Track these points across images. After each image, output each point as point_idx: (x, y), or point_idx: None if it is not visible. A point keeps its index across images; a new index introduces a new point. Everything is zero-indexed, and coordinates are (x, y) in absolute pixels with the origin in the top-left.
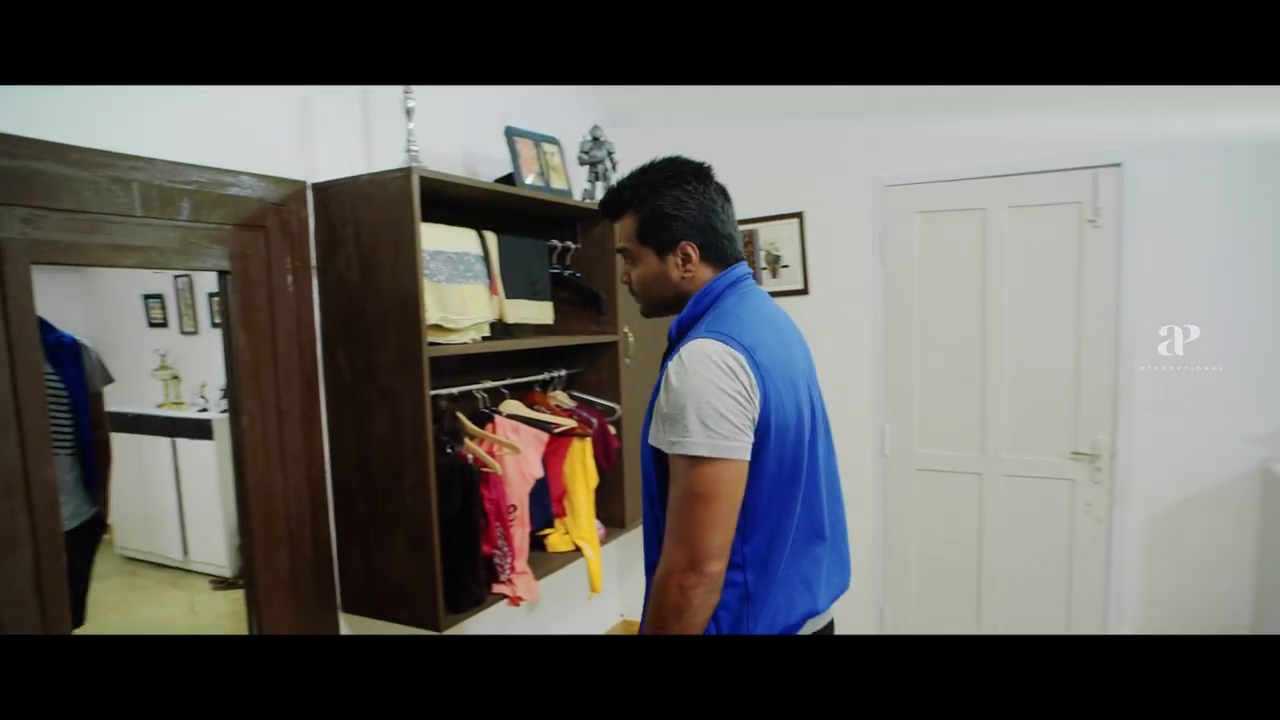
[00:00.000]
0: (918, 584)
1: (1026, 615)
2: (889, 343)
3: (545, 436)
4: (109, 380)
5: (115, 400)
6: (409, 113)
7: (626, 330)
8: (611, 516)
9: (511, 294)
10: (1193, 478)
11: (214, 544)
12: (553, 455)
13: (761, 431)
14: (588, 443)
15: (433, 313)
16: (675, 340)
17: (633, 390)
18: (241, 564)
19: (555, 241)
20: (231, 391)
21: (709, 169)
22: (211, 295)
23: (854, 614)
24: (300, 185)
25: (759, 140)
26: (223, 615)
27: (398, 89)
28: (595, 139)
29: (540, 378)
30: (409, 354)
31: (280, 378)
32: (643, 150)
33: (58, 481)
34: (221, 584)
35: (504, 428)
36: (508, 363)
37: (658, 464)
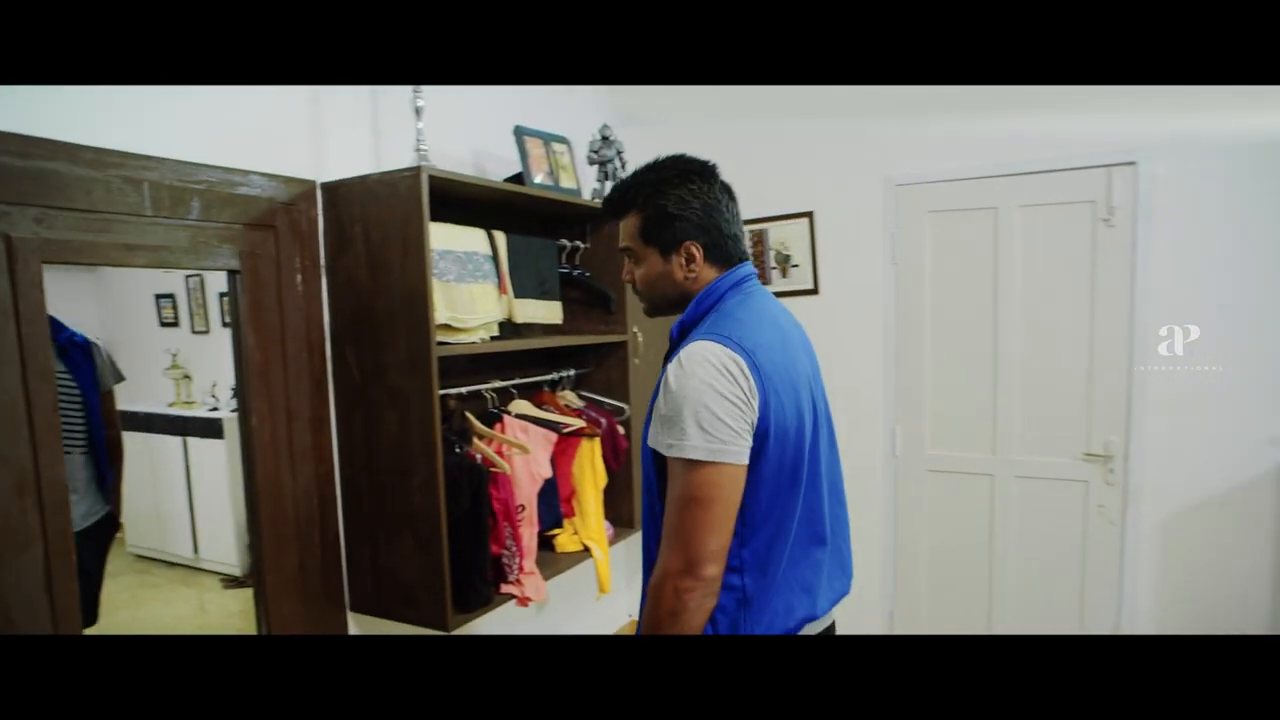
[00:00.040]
0: (928, 586)
1: (1038, 618)
2: (900, 343)
3: (554, 436)
4: (120, 379)
5: (127, 399)
6: (418, 112)
7: (636, 330)
8: (620, 517)
9: (520, 293)
10: (1208, 479)
11: (224, 543)
12: (561, 455)
13: (760, 436)
14: (596, 443)
15: (441, 312)
16: (676, 341)
17: (642, 390)
18: (250, 563)
19: (564, 241)
20: (241, 391)
21: (714, 167)
22: (222, 295)
23: (864, 616)
24: (310, 184)
25: (769, 139)
26: (233, 614)
27: (407, 88)
28: (604, 138)
29: (549, 377)
30: (418, 353)
31: (289, 377)
32: (652, 149)
33: (71, 480)
34: (232, 582)
35: (513, 427)
36: (516, 362)
37: (657, 465)
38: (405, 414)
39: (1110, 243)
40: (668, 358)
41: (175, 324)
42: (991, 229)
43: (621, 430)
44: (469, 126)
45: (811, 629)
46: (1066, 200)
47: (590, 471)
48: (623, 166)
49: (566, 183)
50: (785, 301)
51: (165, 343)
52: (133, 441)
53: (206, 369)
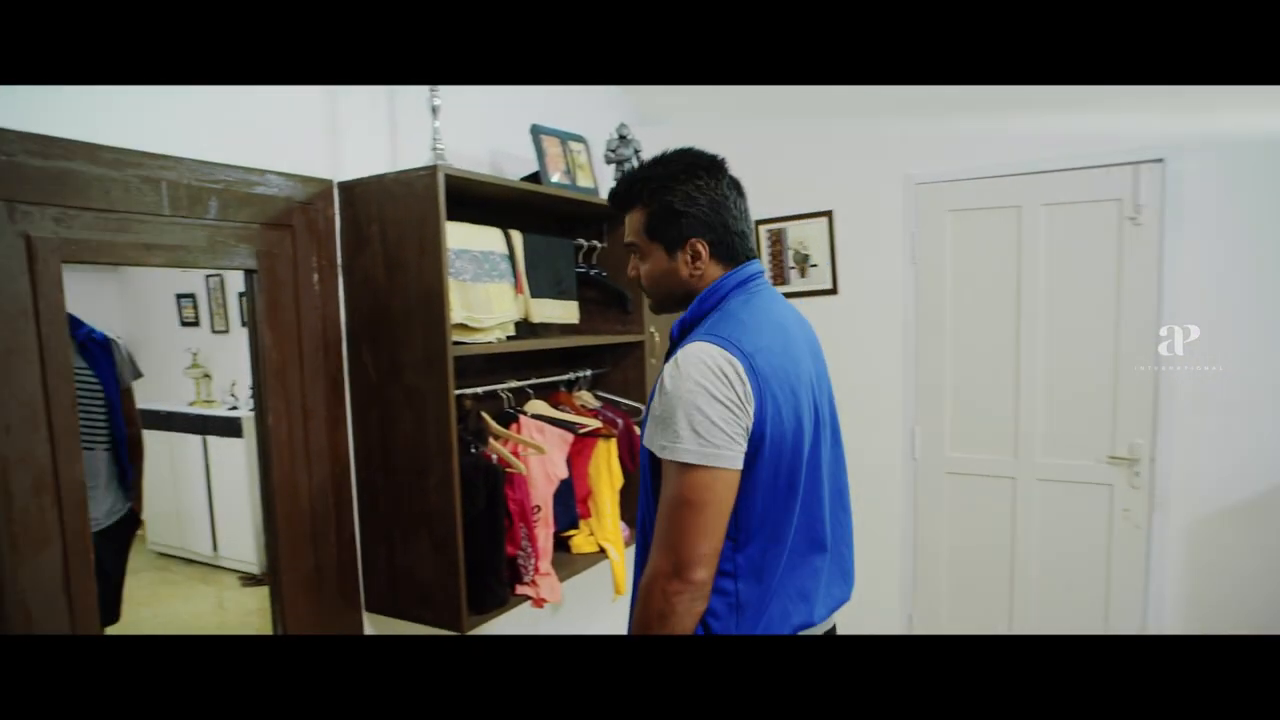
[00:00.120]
0: (948, 590)
1: (1061, 624)
2: (919, 343)
3: (570, 437)
4: (138, 375)
5: (149, 398)
6: (435, 111)
7: (653, 330)
8: (636, 518)
9: (537, 293)
10: (1237, 483)
11: (243, 541)
12: (578, 456)
13: (755, 441)
14: (613, 443)
15: (458, 312)
16: (676, 340)
17: None
18: (266, 562)
19: (581, 240)
20: (257, 390)
21: (722, 162)
22: (242, 295)
23: (882, 619)
24: (327, 184)
25: (787, 138)
26: (251, 612)
27: (424, 87)
28: (622, 137)
29: (565, 377)
30: (434, 353)
31: (306, 376)
32: (670, 149)
33: (95, 476)
34: (250, 580)
35: (529, 428)
36: (533, 362)
37: (654, 466)
38: (421, 414)
39: (1137, 242)
40: (667, 357)
41: (196, 323)
42: (1014, 228)
43: (638, 431)
44: (486, 125)
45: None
46: (1092, 199)
47: (606, 472)
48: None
49: (584, 182)
50: (803, 301)
51: (186, 342)
52: (153, 440)
53: (226, 368)
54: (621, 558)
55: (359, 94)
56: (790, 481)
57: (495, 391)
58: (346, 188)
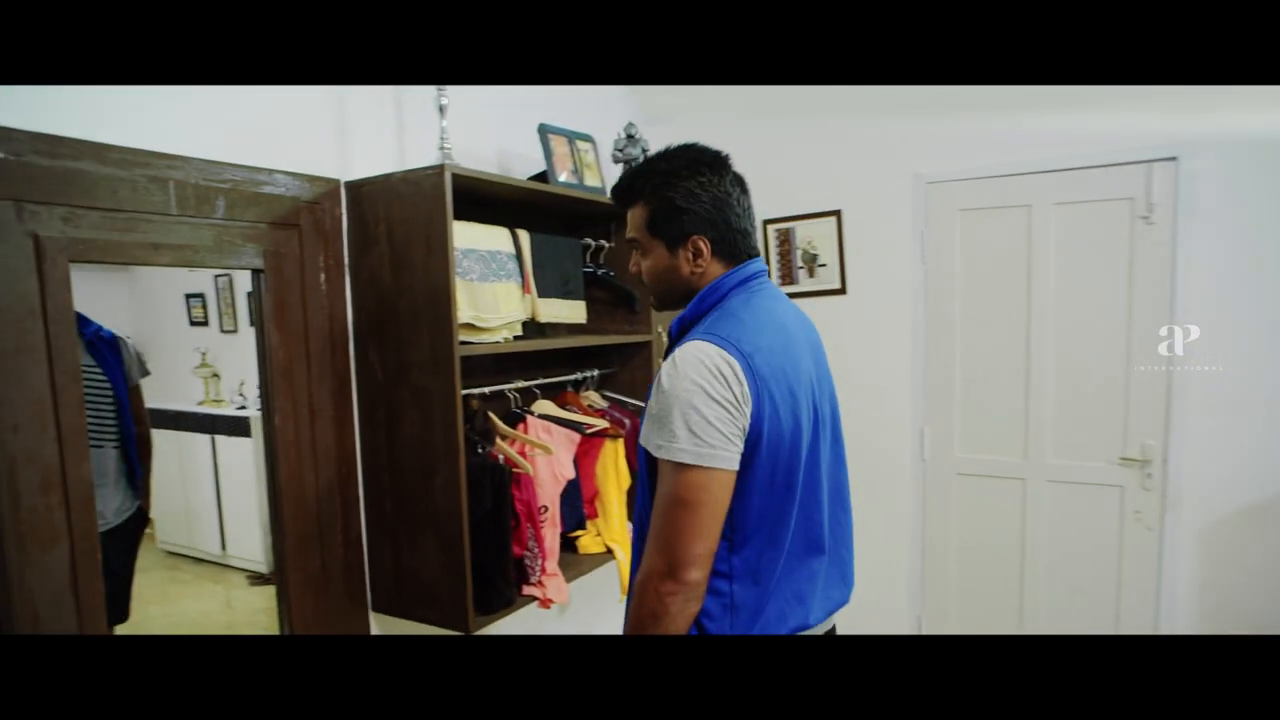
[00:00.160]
0: (957, 592)
1: (1071, 627)
2: (929, 344)
3: (577, 437)
4: (145, 373)
5: (157, 397)
6: (442, 110)
7: (660, 330)
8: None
9: (544, 293)
10: (1251, 485)
11: (251, 540)
12: (585, 456)
13: (752, 442)
14: (620, 443)
15: (464, 311)
16: (675, 338)
17: None
18: (273, 561)
19: (589, 240)
20: (264, 389)
21: (726, 158)
22: (250, 294)
23: (891, 621)
24: (334, 183)
25: (796, 137)
26: (259, 611)
27: (431, 86)
28: (630, 136)
29: (573, 377)
30: (440, 353)
31: (313, 376)
32: (673, 144)
33: (104, 474)
34: (258, 579)
35: (536, 428)
36: (540, 362)
37: (650, 465)
38: (428, 414)
39: (1149, 241)
40: (666, 355)
41: (205, 323)
42: (1025, 227)
43: None
44: (493, 124)
45: None
46: (1104, 198)
47: (614, 472)
48: None
49: (591, 181)
50: (812, 301)
51: (195, 342)
52: (162, 439)
53: (235, 368)
54: (628, 558)
55: (366, 93)
56: (788, 483)
57: (502, 391)
58: (354, 187)
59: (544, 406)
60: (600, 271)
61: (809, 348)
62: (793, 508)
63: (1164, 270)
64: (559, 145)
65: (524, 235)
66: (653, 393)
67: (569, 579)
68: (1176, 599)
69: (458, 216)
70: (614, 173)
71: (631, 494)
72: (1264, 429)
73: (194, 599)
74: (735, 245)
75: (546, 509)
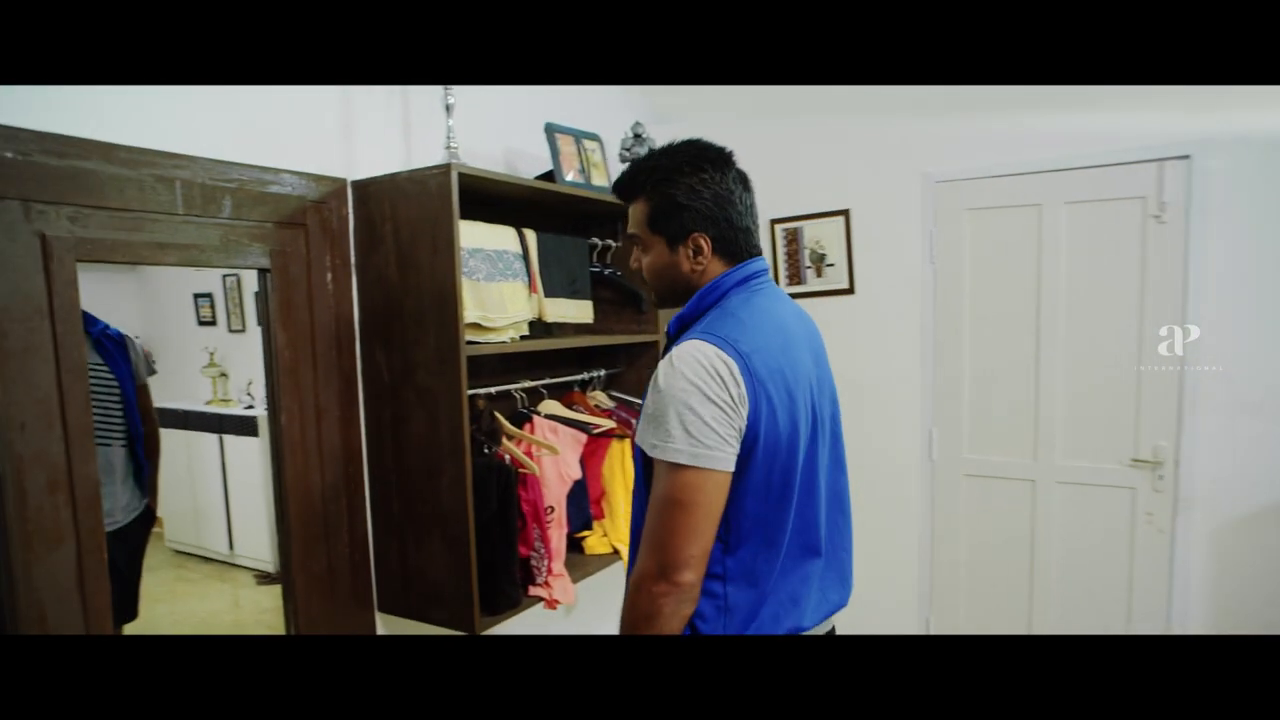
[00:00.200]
0: (966, 594)
1: (1081, 630)
2: (937, 344)
3: (584, 437)
4: (152, 372)
5: (166, 397)
6: (449, 109)
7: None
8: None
9: (551, 293)
10: (1265, 486)
11: (258, 539)
12: (591, 456)
13: (748, 443)
14: (627, 444)
15: (471, 311)
16: (673, 337)
17: None
18: (280, 561)
19: (595, 239)
20: (270, 389)
21: (729, 155)
22: (258, 294)
23: (898, 623)
24: (340, 182)
25: (803, 136)
26: (266, 610)
27: (438, 86)
28: (637, 135)
29: (579, 377)
30: (447, 353)
31: (319, 376)
32: (677, 139)
33: (112, 472)
34: (265, 579)
35: (542, 428)
36: (546, 362)
37: (646, 464)
38: (434, 413)
39: (1161, 240)
40: (664, 354)
41: (213, 323)
42: (1035, 226)
43: None
44: (500, 123)
45: None
46: (1115, 196)
47: (621, 473)
48: None
49: (598, 180)
50: (820, 301)
51: (203, 341)
52: (171, 438)
53: (242, 367)
54: None
55: (373, 92)
56: (784, 485)
57: (509, 391)
58: (360, 186)
59: (550, 406)
60: (607, 271)
61: (809, 349)
62: (789, 510)
63: (1176, 270)
64: (566, 144)
65: (530, 235)
66: (649, 391)
67: (575, 580)
68: (1189, 602)
69: (464, 216)
70: (620, 172)
71: None
72: (1278, 430)
73: (201, 598)
74: (736, 243)
75: (553, 509)
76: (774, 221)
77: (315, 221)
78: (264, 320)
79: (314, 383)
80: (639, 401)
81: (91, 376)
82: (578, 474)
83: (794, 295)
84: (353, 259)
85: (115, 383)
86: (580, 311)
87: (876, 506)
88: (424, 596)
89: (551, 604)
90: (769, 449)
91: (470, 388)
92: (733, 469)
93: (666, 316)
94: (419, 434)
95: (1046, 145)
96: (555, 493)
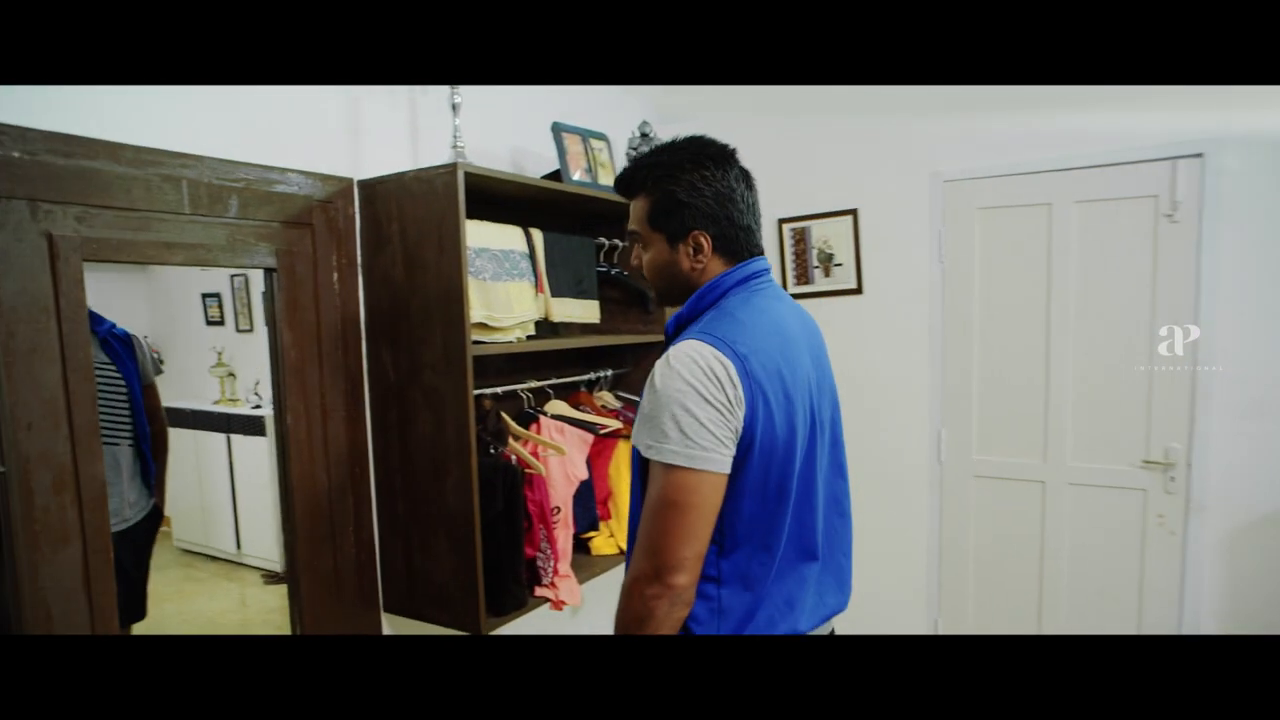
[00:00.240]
0: (974, 596)
1: (1091, 633)
2: (946, 344)
3: (590, 437)
4: (159, 371)
5: (174, 396)
6: (455, 109)
7: None
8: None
9: (557, 292)
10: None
11: (266, 539)
12: (598, 457)
13: (744, 445)
14: None
15: (477, 311)
16: (671, 336)
17: None
18: (285, 561)
19: (603, 239)
20: (276, 389)
21: (732, 152)
22: (265, 294)
23: (906, 624)
24: (347, 182)
25: (811, 135)
26: (272, 610)
27: (445, 86)
28: (644, 135)
29: (586, 377)
30: (453, 353)
31: (325, 375)
32: (680, 136)
33: (118, 472)
34: (272, 578)
35: (548, 428)
36: (553, 362)
37: (642, 466)
38: (440, 414)
39: (1173, 239)
40: (661, 353)
41: (221, 322)
42: (1045, 226)
43: None
44: (507, 123)
45: None
46: (1126, 195)
47: (627, 473)
48: None
49: (605, 180)
50: (827, 301)
51: (211, 341)
52: (179, 437)
53: (250, 367)
54: None
55: (379, 92)
56: (780, 488)
57: (515, 391)
58: (366, 186)
59: (557, 407)
60: (614, 271)
61: (809, 351)
62: (785, 513)
63: (1188, 269)
64: (573, 144)
65: (537, 234)
66: (645, 392)
67: (582, 580)
68: (1201, 606)
69: (471, 215)
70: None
71: None
72: None
73: (209, 597)
74: (737, 242)
75: (559, 510)
76: (781, 221)
77: (322, 221)
78: (270, 320)
79: (320, 382)
80: None
81: (98, 376)
82: (584, 474)
83: (801, 295)
84: (359, 258)
85: (122, 382)
86: (587, 311)
87: (885, 507)
88: (429, 597)
89: (558, 605)
90: (765, 451)
91: (476, 388)
92: (728, 471)
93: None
94: (425, 434)
95: (1056, 144)
96: (561, 493)
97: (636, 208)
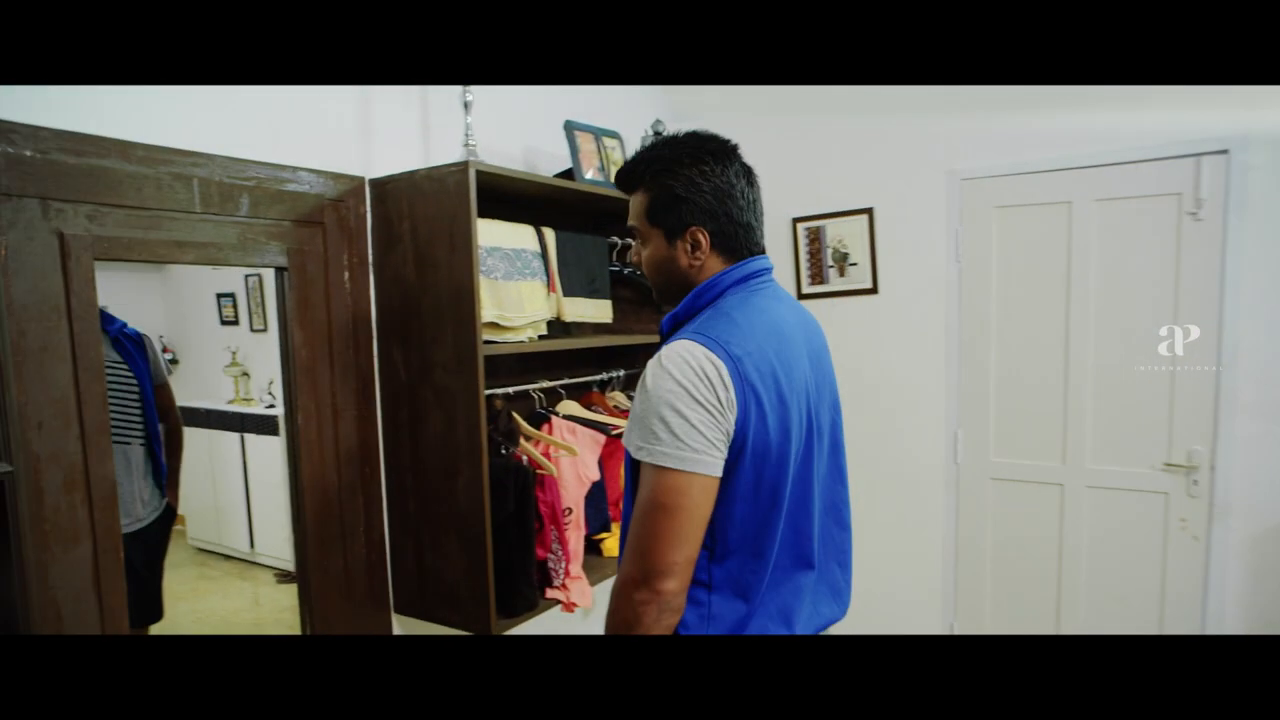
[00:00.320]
0: (991, 600)
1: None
2: (963, 344)
3: (602, 438)
4: (170, 371)
5: (189, 395)
6: (467, 107)
7: None
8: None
9: (570, 292)
10: None
11: (279, 538)
12: (610, 457)
13: (735, 449)
14: None
15: (488, 310)
16: (665, 335)
17: None
18: (296, 560)
19: (615, 238)
20: (287, 388)
21: (733, 148)
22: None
23: (922, 627)
24: (358, 181)
25: (826, 134)
26: (285, 609)
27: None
28: (657, 133)
29: (598, 378)
30: (464, 352)
31: (336, 375)
32: (681, 131)
33: (130, 471)
34: (285, 577)
35: (560, 429)
36: (565, 362)
37: (634, 468)
38: (451, 413)
39: (1197, 238)
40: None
41: (235, 322)
42: (1065, 224)
43: None
44: (519, 121)
45: None
46: (1149, 193)
47: None
48: None
49: None
50: (842, 301)
51: (226, 340)
52: (193, 436)
53: (264, 366)
54: None
55: (391, 90)
56: (773, 493)
57: (526, 391)
58: (378, 184)
59: (569, 407)
60: (627, 270)
61: (809, 353)
62: (778, 520)
63: (1213, 269)
64: (585, 142)
65: (549, 233)
66: (637, 392)
67: (593, 582)
68: (1224, 612)
69: (482, 214)
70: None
71: None
72: None
73: (222, 596)
74: (736, 239)
75: (571, 511)
76: (796, 220)
77: (333, 220)
78: (280, 319)
79: (331, 382)
80: None
81: (110, 375)
82: (596, 475)
83: (816, 295)
84: (370, 257)
85: (134, 381)
86: (599, 311)
87: (900, 509)
88: (440, 598)
89: (569, 607)
90: (757, 455)
91: (488, 387)
92: (719, 474)
93: None
94: (436, 434)
95: (1076, 141)
96: (573, 494)
97: (635, 203)
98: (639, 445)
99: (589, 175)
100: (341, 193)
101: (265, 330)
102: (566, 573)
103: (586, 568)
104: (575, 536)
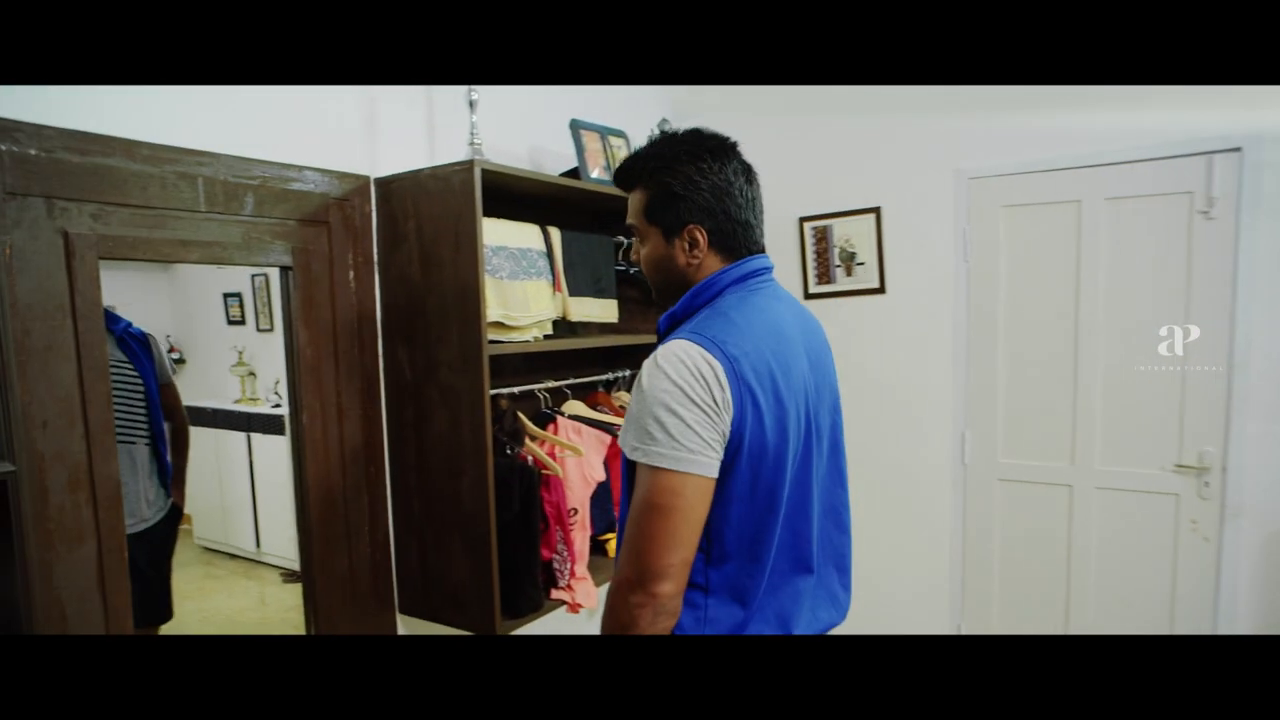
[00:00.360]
0: (999, 602)
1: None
2: (971, 345)
3: (608, 438)
4: (175, 370)
5: (195, 395)
6: (473, 106)
7: None
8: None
9: (575, 291)
10: None
11: (284, 537)
12: (615, 458)
13: (731, 451)
14: None
15: (494, 310)
16: (662, 335)
17: None
18: (301, 561)
19: (621, 238)
20: (292, 388)
21: (732, 145)
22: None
23: (930, 627)
24: (364, 180)
25: (833, 133)
26: (291, 608)
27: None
28: (663, 132)
29: (604, 378)
30: (469, 352)
31: (340, 374)
32: (681, 128)
33: (136, 471)
34: (291, 576)
35: (566, 429)
36: (570, 362)
37: (630, 469)
38: (456, 413)
39: (1209, 237)
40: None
41: (241, 322)
42: (1074, 224)
43: None
44: (525, 120)
45: None
46: (1159, 192)
47: None
48: None
49: None
50: (850, 301)
51: (232, 340)
52: (200, 436)
53: (270, 366)
54: None
55: (396, 90)
56: (770, 496)
57: (532, 391)
58: (383, 184)
59: (574, 407)
60: (633, 270)
61: (808, 354)
62: (775, 523)
63: (1225, 268)
64: (591, 141)
65: (555, 233)
66: (633, 392)
67: (598, 583)
68: (1236, 615)
69: (488, 213)
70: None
71: None
72: None
73: (228, 595)
74: (735, 237)
75: (576, 511)
76: (803, 220)
77: (338, 219)
78: (285, 318)
79: (335, 381)
80: None
81: (114, 374)
82: (601, 475)
83: (823, 295)
84: (375, 257)
85: (139, 380)
86: (605, 311)
87: (907, 510)
88: (445, 598)
89: (574, 608)
90: (754, 457)
91: (493, 387)
92: (715, 475)
93: None
94: (441, 434)
95: (1085, 139)
96: (579, 494)
97: (634, 201)
98: (634, 446)
99: (595, 174)
100: (346, 192)
101: (271, 330)
102: (572, 573)
103: (592, 568)
104: (580, 537)
